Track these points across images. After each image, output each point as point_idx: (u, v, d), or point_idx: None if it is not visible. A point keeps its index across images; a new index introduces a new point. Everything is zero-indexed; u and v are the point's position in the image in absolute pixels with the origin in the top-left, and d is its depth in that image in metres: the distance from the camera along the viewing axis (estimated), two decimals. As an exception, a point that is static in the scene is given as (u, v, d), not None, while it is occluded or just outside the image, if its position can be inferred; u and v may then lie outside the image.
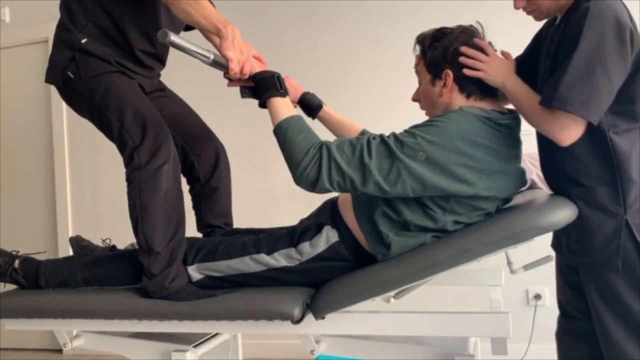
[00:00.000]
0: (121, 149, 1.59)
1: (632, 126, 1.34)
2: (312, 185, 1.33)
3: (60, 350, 3.59)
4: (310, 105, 1.77)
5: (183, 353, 1.57)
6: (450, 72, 1.41)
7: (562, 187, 1.40)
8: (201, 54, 1.35)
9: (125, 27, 1.66)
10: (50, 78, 1.70)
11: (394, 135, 1.33)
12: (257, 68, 1.46)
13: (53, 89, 3.54)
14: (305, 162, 1.32)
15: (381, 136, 1.34)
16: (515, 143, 1.41)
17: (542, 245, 1.60)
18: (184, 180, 1.76)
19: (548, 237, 1.45)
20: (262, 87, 1.44)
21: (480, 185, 1.33)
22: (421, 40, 1.48)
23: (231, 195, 1.95)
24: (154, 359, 1.63)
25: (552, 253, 1.57)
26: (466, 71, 1.40)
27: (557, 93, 1.25)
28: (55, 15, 1.72)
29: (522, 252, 1.64)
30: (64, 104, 3.53)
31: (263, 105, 1.47)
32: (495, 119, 1.37)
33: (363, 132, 1.75)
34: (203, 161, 1.87)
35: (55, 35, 1.71)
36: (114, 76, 1.63)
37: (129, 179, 1.56)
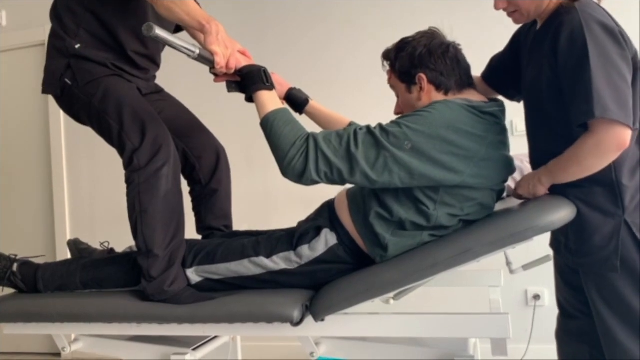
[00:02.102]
0: (121, 152, 1.59)
1: None
2: (299, 176, 1.34)
3: (58, 354, 3.58)
4: (296, 100, 1.78)
5: (182, 356, 1.56)
6: (423, 75, 1.43)
7: (558, 188, 1.40)
8: (187, 48, 1.37)
9: (116, 30, 1.66)
10: (47, 88, 1.70)
11: (380, 125, 1.35)
12: (243, 62, 1.47)
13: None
14: (292, 153, 1.33)
15: (368, 127, 1.35)
16: (500, 130, 1.43)
17: (541, 245, 1.60)
18: (184, 182, 1.76)
19: (546, 237, 1.46)
20: (248, 81, 1.46)
21: (468, 173, 1.34)
22: (386, 55, 1.52)
23: (231, 197, 1.95)
24: (153, 363, 1.62)
25: (551, 253, 1.57)
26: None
27: (593, 104, 1.22)
28: (53, 19, 1.72)
29: (520, 253, 1.64)
30: (61, 107, 3.54)
31: (250, 99, 1.48)
32: (480, 107, 1.39)
33: (350, 125, 1.75)
34: (204, 163, 1.87)
35: (49, 45, 1.71)
36: (111, 79, 1.63)
37: (129, 181, 1.56)
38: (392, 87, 1.53)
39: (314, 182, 1.35)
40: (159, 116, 1.64)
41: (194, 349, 1.64)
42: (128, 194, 1.56)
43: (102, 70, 1.63)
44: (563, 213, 1.30)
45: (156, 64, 1.86)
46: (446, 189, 1.36)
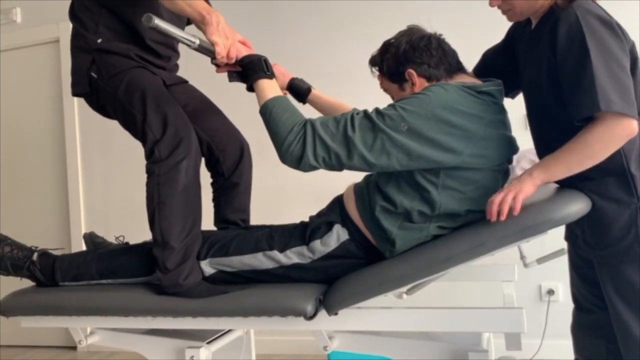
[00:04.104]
0: (143, 142, 1.60)
1: None
2: (297, 161, 1.35)
3: (74, 347, 3.63)
4: (299, 90, 1.79)
5: (197, 350, 1.57)
6: (411, 71, 1.46)
7: (570, 184, 1.39)
8: (187, 39, 1.39)
9: (133, 21, 1.69)
10: (76, 88, 1.72)
11: (376, 109, 1.37)
12: (244, 52, 1.49)
13: (65, 89, 3.57)
14: (289, 138, 1.34)
15: (365, 111, 1.37)
16: (499, 110, 1.43)
17: (555, 239, 1.59)
18: (206, 173, 1.76)
19: (561, 230, 1.45)
20: (249, 70, 1.48)
21: (467, 153, 1.34)
22: (373, 60, 1.56)
23: (250, 192, 1.96)
24: (168, 356, 1.64)
25: (566, 246, 1.56)
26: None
27: (598, 98, 1.23)
28: (67, 15, 1.74)
29: (534, 248, 1.63)
30: (75, 103, 3.57)
31: (251, 88, 1.50)
32: (476, 87, 1.40)
33: None
34: (227, 156, 1.88)
35: (72, 47, 1.73)
36: (135, 71, 1.65)
37: (149, 172, 1.57)
38: (386, 90, 1.56)
39: (313, 168, 1.36)
40: (182, 109, 1.65)
41: (208, 343, 1.65)
42: (147, 185, 1.57)
43: (126, 62, 1.65)
44: (578, 206, 1.30)
45: (176, 51, 1.88)
46: (446, 172, 1.36)
